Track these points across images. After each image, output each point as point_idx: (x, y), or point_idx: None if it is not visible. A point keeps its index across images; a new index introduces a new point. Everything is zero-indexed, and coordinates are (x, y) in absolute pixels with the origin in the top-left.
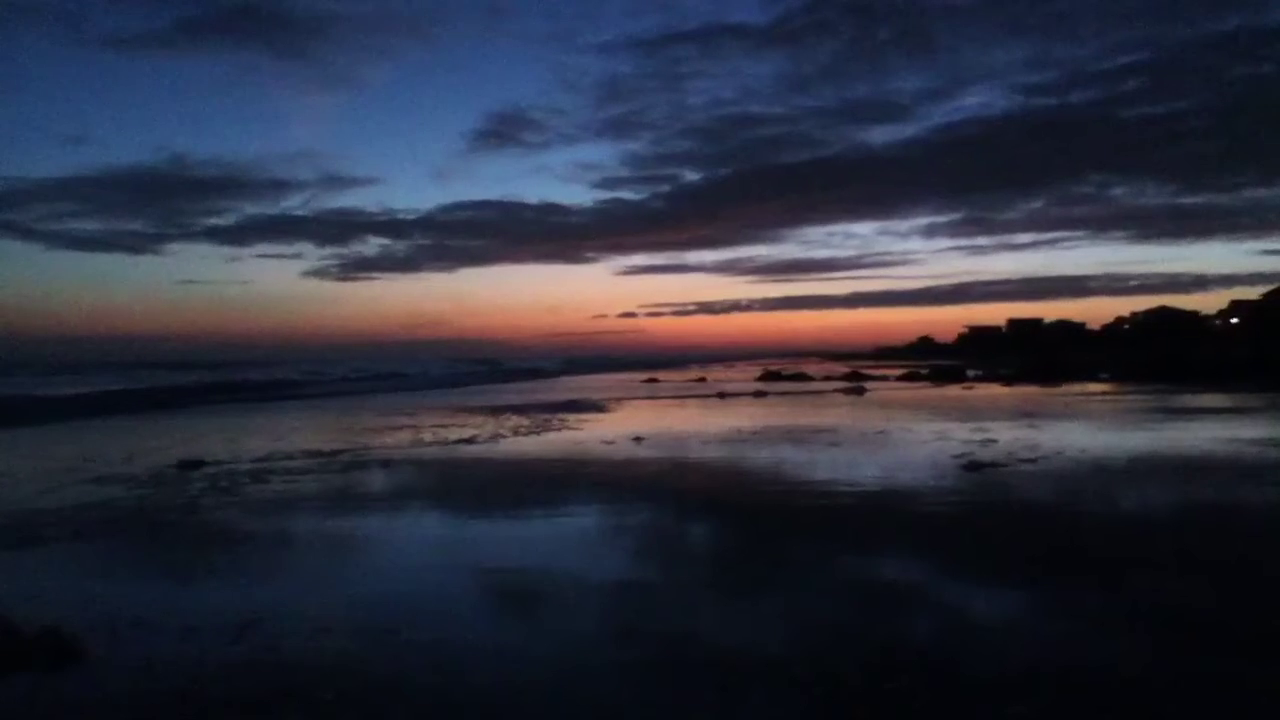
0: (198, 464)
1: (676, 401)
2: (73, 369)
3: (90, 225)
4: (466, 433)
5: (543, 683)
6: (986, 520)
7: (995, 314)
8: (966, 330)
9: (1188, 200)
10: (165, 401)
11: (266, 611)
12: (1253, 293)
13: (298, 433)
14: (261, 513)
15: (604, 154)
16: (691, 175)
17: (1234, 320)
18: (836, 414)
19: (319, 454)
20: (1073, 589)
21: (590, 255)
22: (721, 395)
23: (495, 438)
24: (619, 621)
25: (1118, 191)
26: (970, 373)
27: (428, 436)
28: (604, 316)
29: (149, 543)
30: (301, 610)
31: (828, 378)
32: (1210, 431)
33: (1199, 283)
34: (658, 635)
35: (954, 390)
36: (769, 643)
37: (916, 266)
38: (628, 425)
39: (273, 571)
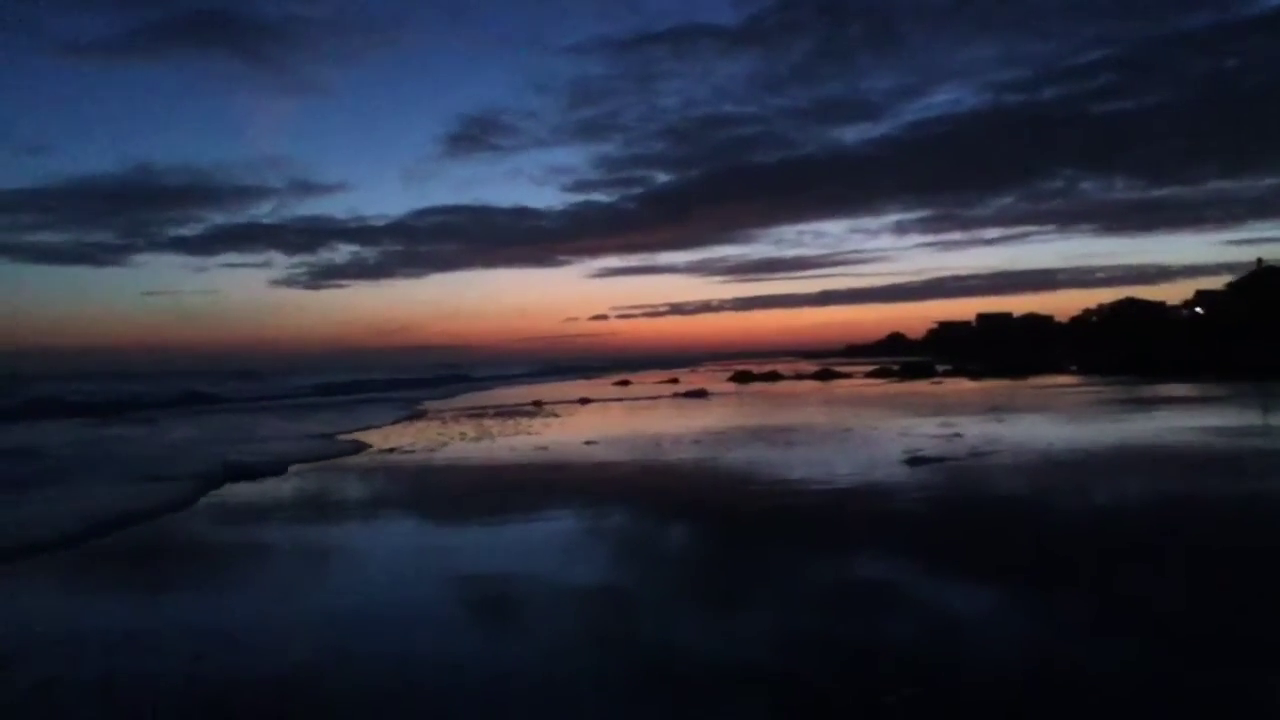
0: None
1: (626, 406)
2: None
3: (54, 237)
4: (404, 440)
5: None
6: (921, 515)
7: (965, 309)
8: (936, 326)
9: (1154, 193)
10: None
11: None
12: (1217, 283)
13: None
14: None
15: (576, 157)
16: (663, 176)
17: (1198, 310)
18: (800, 412)
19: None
20: (992, 582)
21: (562, 258)
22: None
23: (438, 445)
24: (540, 623)
25: (1086, 186)
26: (940, 368)
27: (365, 442)
28: (576, 319)
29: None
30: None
31: (798, 375)
32: (1172, 422)
33: (1164, 274)
34: (577, 631)
35: (921, 385)
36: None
37: (887, 264)
38: (579, 430)
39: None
